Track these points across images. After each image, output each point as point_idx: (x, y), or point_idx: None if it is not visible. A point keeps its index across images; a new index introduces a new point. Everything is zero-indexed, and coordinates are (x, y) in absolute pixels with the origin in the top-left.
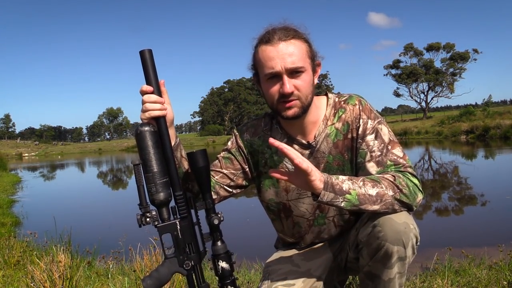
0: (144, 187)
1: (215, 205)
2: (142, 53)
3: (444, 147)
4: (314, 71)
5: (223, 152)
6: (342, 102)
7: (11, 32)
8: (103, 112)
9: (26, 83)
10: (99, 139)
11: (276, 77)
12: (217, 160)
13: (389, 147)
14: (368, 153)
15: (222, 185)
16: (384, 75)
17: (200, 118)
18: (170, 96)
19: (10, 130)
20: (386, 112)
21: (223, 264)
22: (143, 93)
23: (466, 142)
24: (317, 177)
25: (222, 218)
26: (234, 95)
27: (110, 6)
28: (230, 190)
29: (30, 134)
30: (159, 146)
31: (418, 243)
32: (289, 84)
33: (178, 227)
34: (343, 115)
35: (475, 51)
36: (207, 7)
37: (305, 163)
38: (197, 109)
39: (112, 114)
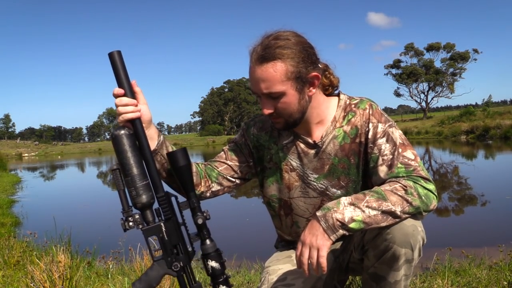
0: (126, 192)
1: (200, 204)
2: (111, 55)
3: (444, 147)
4: (304, 87)
5: (230, 144)
6: (353, 106)
7: (11, 32)
8: (103, 112)
9: (26, 83)
10: (99, 139)
11: (259, 96)
12: (222, 152)
13: (400, 149)
14: (380, 157)
15: (225, 176)
16: (385, 74)
17: (200, 118)
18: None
19: (10, 130)
20: (386, 112)
21: (212, 264)
22: (115, 96)
23: (466, 142)
24: (324, 233)
25: (208, 217)
26: (234, 95)
27: (110, 7)
28: (233, 180)
29: (30, 134)
30: (136, 149)
31: (424, 244)
32: (266, 106)
33: (163, 229)
34: (353, 119)
35: (475, 51)
36: (207, 7)
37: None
38: (197, 109)
39: (112, 114)
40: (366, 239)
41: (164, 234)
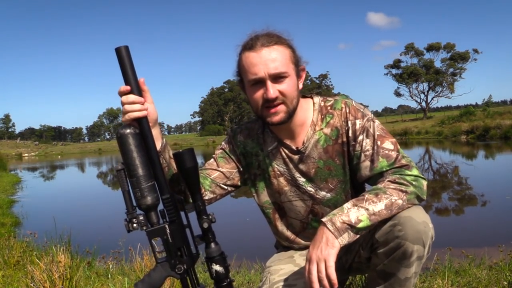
0: (130, 192)
1: (206, 206)
2: (118, 50)
3: (444, 147)
4: (298, 76)
5: (219, 152)
6: (329, 108)
7: (12, 32)
8: (103, 112)
9: (26, 83)
10: (99, 139)
11: (260, 83)
12: (212, 159)
13: (379, 142)
14: (362, 153)
15: (218, 184)
16: (385, 74)
17: (200, 118)
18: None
19: (10, 130)
20: (386, 112)
21: (216, 267)
22: (121, 94)
23: (466, 142)
24: (328, 239)
25: (213, 220)
26: (234, 95)
27: (112, 6)
28: (226, 188)
29: (30, 134)
30: (142, 149)
31: (433, 242)
32: (272, 89)
33: (168, 231)
34: (331, 121)
35: (475, 51)
36: (207, 7)
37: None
38: (197, 109)
39: (112, 114)
40: (377, 237)
41: (169, 236)
